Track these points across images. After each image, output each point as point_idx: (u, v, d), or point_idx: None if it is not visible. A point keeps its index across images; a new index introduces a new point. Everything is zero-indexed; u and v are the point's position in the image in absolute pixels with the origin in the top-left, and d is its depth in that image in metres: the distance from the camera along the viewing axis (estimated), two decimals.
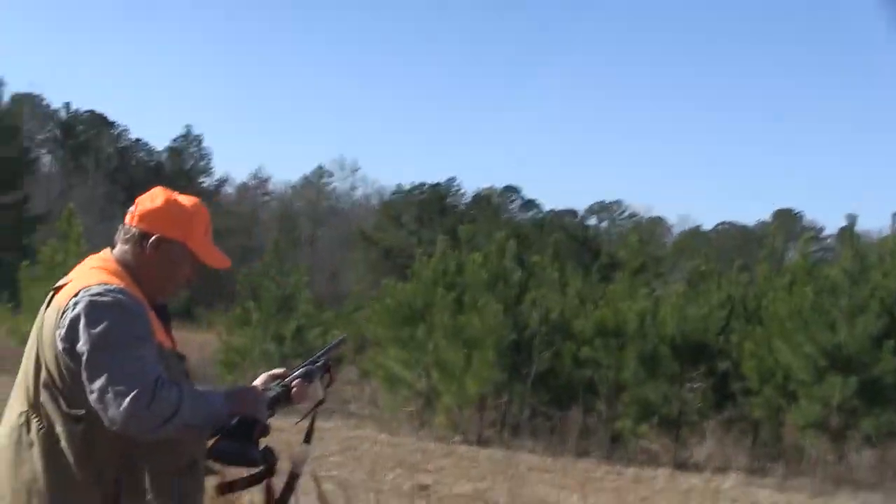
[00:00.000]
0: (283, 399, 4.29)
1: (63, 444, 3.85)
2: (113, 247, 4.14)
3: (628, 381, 24.35)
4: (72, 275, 4.06)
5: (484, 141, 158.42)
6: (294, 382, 4.32)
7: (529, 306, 24.62)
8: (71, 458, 3.85)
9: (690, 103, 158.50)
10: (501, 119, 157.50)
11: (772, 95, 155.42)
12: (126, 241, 4.11)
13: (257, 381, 4.35)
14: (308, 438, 4.47)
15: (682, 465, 22.41)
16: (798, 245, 54.69)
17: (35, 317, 4.15)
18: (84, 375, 3.76)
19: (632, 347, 23.99)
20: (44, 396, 3.87)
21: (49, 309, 3.96)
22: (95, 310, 3.78)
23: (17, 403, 4.02)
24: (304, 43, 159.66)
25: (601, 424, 24.46)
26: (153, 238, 4.09)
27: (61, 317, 3.81)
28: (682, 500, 17.94)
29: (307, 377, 4.40)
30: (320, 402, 4.47)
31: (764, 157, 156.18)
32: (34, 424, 3.90)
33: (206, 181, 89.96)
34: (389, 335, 26.18)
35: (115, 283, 3.91)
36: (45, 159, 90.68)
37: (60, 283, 4.06)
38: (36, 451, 3.88)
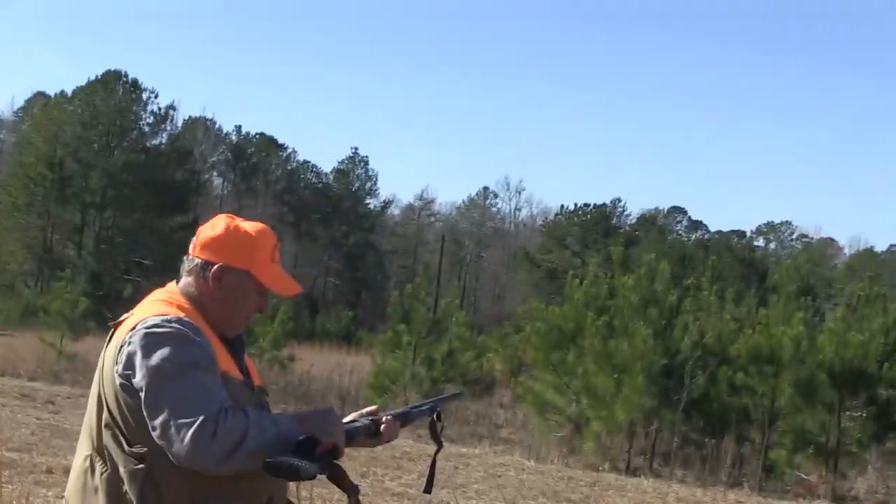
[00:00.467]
0: (369, 433, 4.09)
1: (126, 486, 3.74)
2: (178, 279, 4.06)
3: (785, 407, 23.67)
4: (135, 309, 3.96)
5: (651, 160, 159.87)
6: (384, 419, 4.13)
7: (682, 330, 24.00)
8: (135, 502, 3.73)
9: (865, 120, 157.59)
10: (669, 138, 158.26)
11: None
12: (189, 273, 4.02)
13: (348, 418, 4.14)
14: (429, 488, 4.43)
15: (840, 499, 21.77)
16: None
17: None
18: (145, 412, 3.65)
19: (787, 374, 23.27)
20: (106, 438, 3.78)
21: (109, 346, 3.88)
22: (153, 341, 3.68)
23: (82, 447, 3.96)
24: (470, 64, 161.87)
25: (754, 454, 23.91)
26: (215, 268, 3.98)
27: (119, 352, 3.73)
28: None
29: (402, 417, 4.29)
30: (438, 450, 4.35)
31: None
32: (98, 468, 3.81)
33: (372, 202, 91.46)
34: (540, 358, 25.94)
35: (175, 313, 3.80)
36: (217, 181, 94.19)
37: (122, 318, 3.95)
38: (101, 497, 3.79)
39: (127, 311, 4.00)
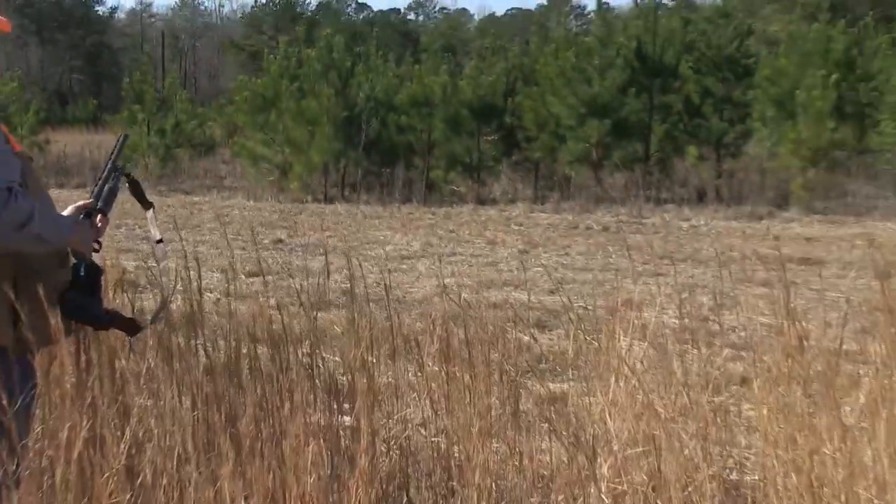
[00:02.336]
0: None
1: None
2: None
3: (439, 140, 26.33)
4: None
5: None
6: (96, 220, 4.00)
7: (356, 88, 26.17)
8: None
9: None
10: None
11: None
12: None
13: (66, 212, 3.99)
14: (159, 242, 4.28)
15: (482, 202, 24.26)
16: (560, 19, 58.19)
17: None
18: None
19: (438, 113, 25.80)
20: None
21: None
22: None
23: None
24: None
25: (419, 177, 26.26)
26: None
27: None
28: (482, 228, 19.24)
29: (103, 201, 4.10)
30: (150, 208, 4.32)
31: None
32: None
33: (101, 9, 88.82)
34: (249, 121, 27.50)
35: None
36: None
37: None
38: None
39: None
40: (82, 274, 3.79)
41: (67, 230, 3.69)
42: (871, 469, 3.54)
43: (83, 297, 3.79)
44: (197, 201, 24.58)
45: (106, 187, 4.13)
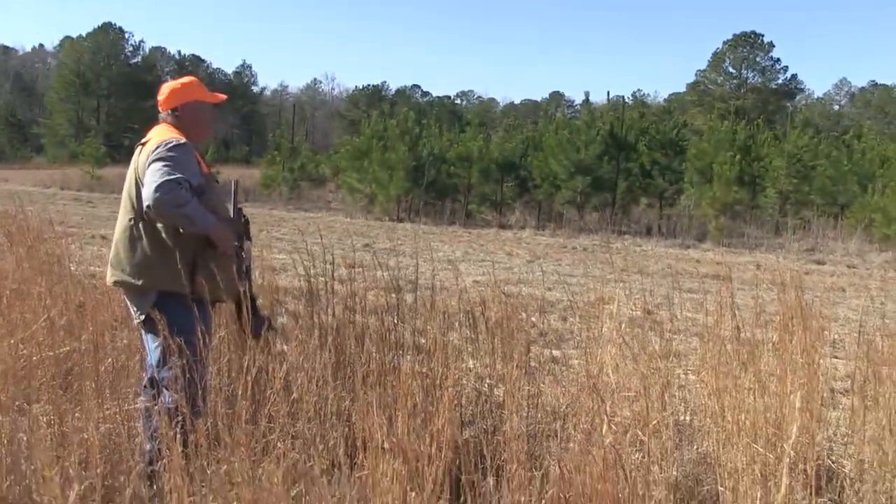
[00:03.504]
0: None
1: (163, 234, 3.61)
2: (162, 122, 3.84)
3: (475, 184, 26.01)
4: (150, 134, 3.77)
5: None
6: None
7: (421, 147, 25.90)
8: (170, 242, 3.59)
9: None
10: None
11: None
12: (165, 118, 3.85)
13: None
14: (246, 274, 3.84)
15: (503, 227, 23.63)
16: (559, 108, 58.42)
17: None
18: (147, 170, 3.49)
19: (476, 165, 25.51)
20: (143, 207, 3.51)
21: (141, 154, 3.68)
22: (167, 148, 3.54)
23: (125, 214, 3.72)
24: None
25: (461, 208, 25.86)
26: (179, 107, 3.83)
27: (150, 155, 3.56)
28: (502, 244, 18.86)
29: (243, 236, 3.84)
30: (247, 241, 3.93)
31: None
32: (140, 224, 3.63)
33: (255, 88, 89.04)
34: (349, 165, 27.18)
35: (177, 137, 3.65)
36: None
37: (144, 140, 3.77)
38: (145, 241, 3.63)
39: (140, 139, 3.82)
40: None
41: (211, 224, 3.55)
42: (776, 410, 3.50)
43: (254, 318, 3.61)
44: (312, 216, 24.21)
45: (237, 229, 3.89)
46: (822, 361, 3.87)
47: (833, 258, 19.12)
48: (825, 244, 20.87)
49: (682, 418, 4.06)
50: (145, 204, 3.41)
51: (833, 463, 3.92)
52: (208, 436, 2.67)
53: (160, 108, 3.85)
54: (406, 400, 2.84)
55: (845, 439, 4.24)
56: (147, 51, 73.73)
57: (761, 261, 17.52)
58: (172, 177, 3.39)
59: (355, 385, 3.35)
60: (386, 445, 2.56)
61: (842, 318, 9.91)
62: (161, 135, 3.67)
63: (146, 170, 3.48)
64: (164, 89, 3.89)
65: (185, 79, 3.95)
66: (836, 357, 6.75)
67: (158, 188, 3.36)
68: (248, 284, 3.75)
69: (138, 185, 3.61)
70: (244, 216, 3.94)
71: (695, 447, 3.90)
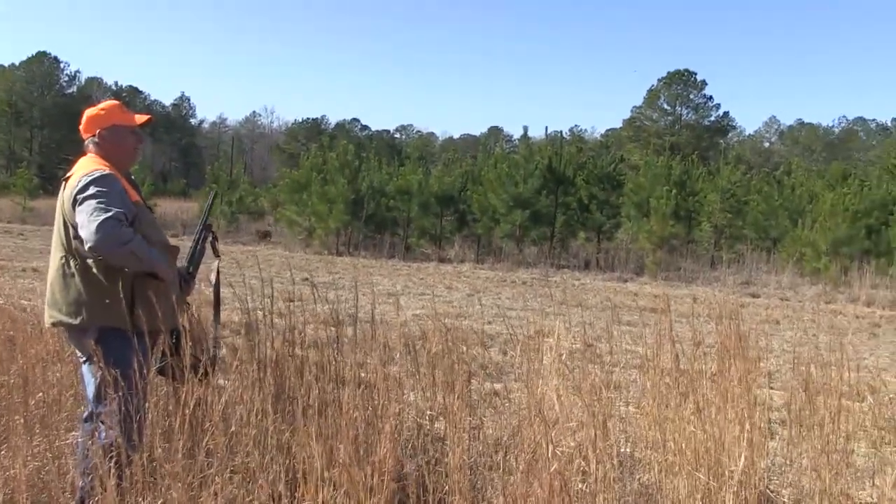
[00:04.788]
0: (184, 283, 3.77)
1: (94, 270, 3.51)
2: (85, 152, 3.73)
3: (415, 217, 25.91)
4: (75, 168, 3.64)
5: None
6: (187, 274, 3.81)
7: (361, 181, 25.79)
8: (101, 277, 3.50)
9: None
10: None
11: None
12: (89, 147, 3.74)
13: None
14: (216, 306, 3.94)
15: (442, 260, 23.74)
16: (497, 143, 59.14)
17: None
18: (76, 212, 3.41)
19: (415, 199, 25.48)
20: (75, 244, 3.48)
21: (66, 189, 3.56)
22: (92, 182, 3.44)
23: (56, 252, 3.62)
24: None
25: (401, 241, 25.74)
26: (97, 133, 3.73)
27: (74, 190, 3.47)
28: (442, 278, 18.87)
29: (197, 263, 3.86)
30: (218, 258, 3.95)
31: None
32: (72, 262, 3.54)
33: (193, 120, 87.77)
34: (288, 198, 27.14)
35: (101, 168, 3.54)
36: None
37: (69, 174, 3.65)
38: (77, 279, 3.52)
39: (66, 173, 3.68)
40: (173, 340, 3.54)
41: (156, 261, 3.49)
42: (717, 439, 3.53)
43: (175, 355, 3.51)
44: (251, 250, 23.80)
45: (197, 248, 3.93)
46: (759, 391, 3.91)
47: (767, 291, 19.44)
48: (759, 277, 21.21)
49: (623, 450, 4.06)
50: (87, 245, 3.32)
51: (772, 492, 3.96)
52: (144, 470, 2.58)
53: (83, 136, 3.78)
54: (348, 431, 2.80)
55: (783, 468, 4.28)
56: (83, 81, 72.56)
57: (698, 293, 17.77)
58: (109, 213, 3.30)
59: (295, 416, 3.29)
60: (326, 475, 2.49)
61: (777, 349, 10.06)
62: (84, 167, 3.57)
63: (77, 208, 3.39)
64: (85, 116, 3.80)
65: (106, 103, 3.85)
66: (772, 388, 6.84)
67: (99, 228, 3.27)
68: (217, 307, 3.80)
69: (66, 223, 3.53)
70: (213, 233, 3.95)
71: (636, 478, 3.90)
